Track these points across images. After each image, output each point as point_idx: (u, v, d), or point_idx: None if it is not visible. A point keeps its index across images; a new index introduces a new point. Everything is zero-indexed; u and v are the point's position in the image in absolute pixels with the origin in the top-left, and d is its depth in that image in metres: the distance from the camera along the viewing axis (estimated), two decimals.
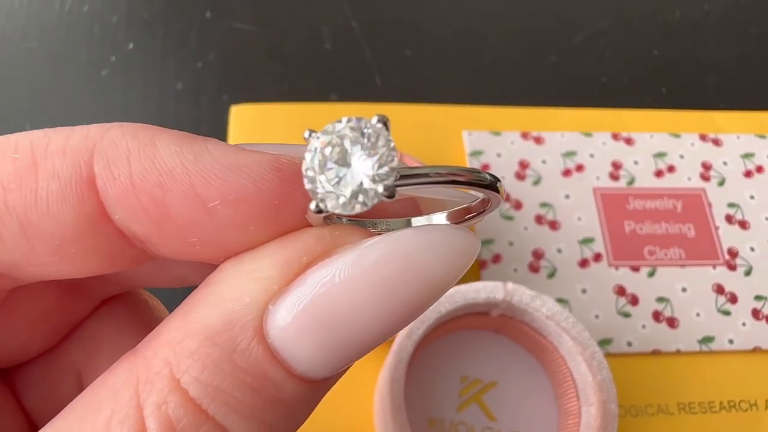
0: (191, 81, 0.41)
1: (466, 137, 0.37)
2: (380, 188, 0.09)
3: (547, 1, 0.46)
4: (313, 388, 0.11)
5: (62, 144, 0.10)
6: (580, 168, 0.37)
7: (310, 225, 0.11)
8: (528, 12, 0.46)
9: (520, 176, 0.36)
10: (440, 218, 0.12)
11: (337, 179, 0.10)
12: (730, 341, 0.33)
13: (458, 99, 0.39)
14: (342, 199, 0.10)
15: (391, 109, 0.38)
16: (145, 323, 0.16)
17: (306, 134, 0.10)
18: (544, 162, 0.37)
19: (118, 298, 0.15)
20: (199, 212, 0.10)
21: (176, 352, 0.10)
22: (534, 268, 0.34)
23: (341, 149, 0.10)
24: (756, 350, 0.33)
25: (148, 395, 0.10)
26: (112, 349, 0.15)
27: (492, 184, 0.10)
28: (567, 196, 0.36)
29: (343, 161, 0.10)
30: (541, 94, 0.42)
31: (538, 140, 0.37)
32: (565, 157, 0.37)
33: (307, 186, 0.10)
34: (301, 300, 0.10)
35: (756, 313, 0.33)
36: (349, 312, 0.10)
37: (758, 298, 0.34)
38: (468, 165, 0.36)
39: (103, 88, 0.40)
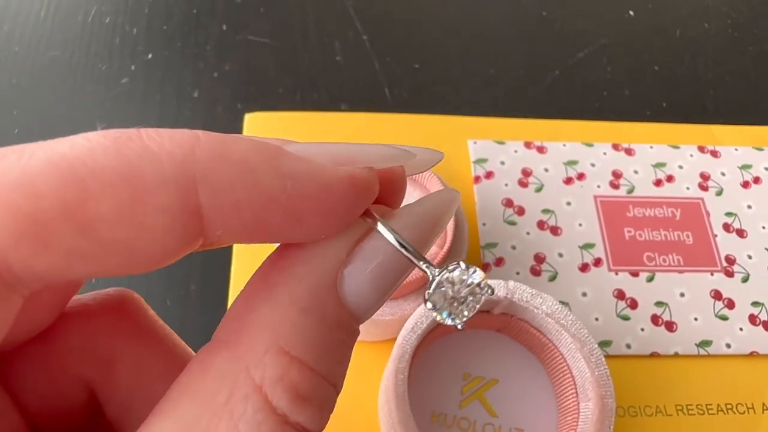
0: (207, 90, 0.43)
1: (471, 146, 0.38)
2: (458, 323, 0.14)
3: (552, 19, 0.48)
4: (357, 334, 0.13)
5: (160, 173, 0.10)
6: (581, 176, 0.38)
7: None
8: (533, 29, 0.48)
9: (523, 183, 0.37)
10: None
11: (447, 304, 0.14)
12: (728, 345, 0.33)
13: (464, 111, 0.41)
14: (445, 314, 0.14)
15: (399, 119, 0.40)
16: (149, 331, 0.16)
17: (463, 264, 0.14)
18: (546, 170, 0.38)
19: (119, 308, 0.15)
20: (294, 225, 0.12)
21: (277, 330, 0.12)
22: (536, 272, 0.35)
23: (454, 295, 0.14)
24: (753, 354, 0.33)
25: (264, 373, 0.11)
26: (129, 364, 0.15)
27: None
28: (568, 203, 0.37)
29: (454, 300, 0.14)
30: (544, 108, 0.43)
31: (541, 149, 0.39)
32: (566, 166, 0.38)
33: (435, 301, 0.14)
34: (365, 261, 0.13)
35: (753, 319, 0.34)
36: (393, 261, 0.13)
37: (755, 304, 0.35)
38: (473, 172, 0.38)
39: (123, 96, 0.42)
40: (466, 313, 0.14)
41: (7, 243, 0.10)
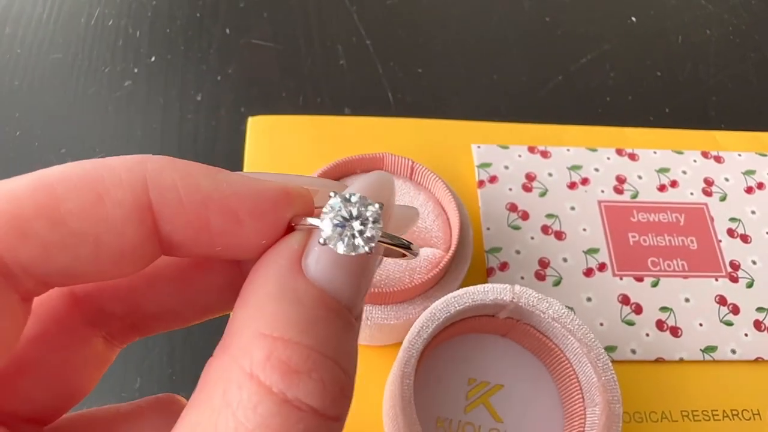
0: (210, 93, 0.43)
1: (474, 150, 0.38)
2: (367, 249, 0.14)
3: (555, 25, 0.48)
4: (350, 316, 0.14)
5: (117, 178, 0.13)
6: (585, 181, 0.38)
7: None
8: (536, 34, 0.48)
9: (527, 188, 0.37)
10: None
11: (342, 233, 0.14)
12: (733, 351, 0.33)
13: (467, 115, 0.41)
14: (340, 245, 0.14)
15: (402, 123, 0.40)
16: None
17: (331, 194, 0.14)
18: (550, 175, 0.38)
19: (167, 411, 0.17)
20: (232, 224, 0.13)
21: (256, 321, 0.12)
22: (540, 276, 0.35)
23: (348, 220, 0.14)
24: (758, 360, 0.33)
25: (252, 359, 0.12)
26: None
27: (407, 245, 0.15)
28: (572, 208, 0.37)
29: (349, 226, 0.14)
30: (548, 112, 0.43)
31: (545, 154, 0.39)
32: (570, 171, 0.38)
33: (324, 225, 0.14)
34: (318, 251, 0.14)
35: (758, 325, 0.34)
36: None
37: (760, 309, 0.34)
38: (477, 177, 0.38)
39: (125, 98, 0.42)
40: (369, 235, 0.14)
41: None
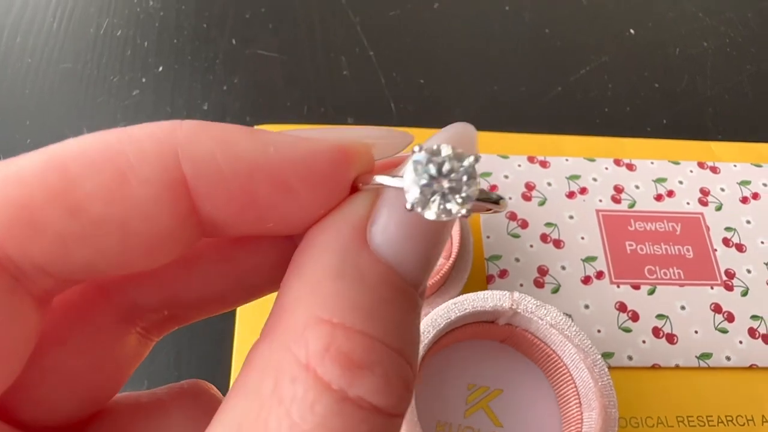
0: (217, 102, 0.43)
1: None
2: (463, 211, 0.11)
3: (555, 37, 0.49)
4: (415, 295, 0.12)
5: (141, 150, 0.11)
6: (583, 191, 0.39)
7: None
8: (535, 46, 0.49)
9: (526, 197, 0.38)
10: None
11: (431, 194, 0.11)
12: (728, 358, 0.34)
13: None
14: (430, 210, 0.11)
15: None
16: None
17: (416, 148, 0.11)
18: (549, 184, 0.39)
19: (193, 400, 0.15)
20: (284, 194, 0.11)
21: (313, 303, 0.11)
22: (539, 284, 0.35)
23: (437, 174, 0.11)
24: (753, 367, 0.34)
25: (308, 348, 0.10)
26: None
27: (497, 200, 0.12)
28: (571, 217, 0.38)
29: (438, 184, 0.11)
30: (547, 123, 0.44)
31: (544, 164, 0.39)
32: (569, 180, 0.39)
33: (408, 185, 0.11)
34: (390, 210, 0.12)
35: (752, 332, 0.35)
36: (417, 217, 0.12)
37: (754, 317, 0.35)
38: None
39: (134, 107, 0.43)
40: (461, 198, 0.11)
41: (1, 231, 0.10)
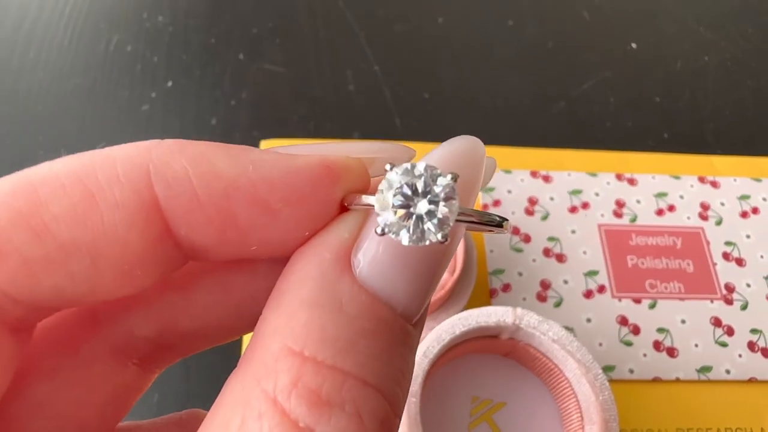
0: (225, 117, 0.44)
1: None
2: (439, 236, 0.10)
3: (557, 52, 0.50)
4: (411, 326, 0.11)
5: (113, 171, 0.10)
6: (585, 205, 0.39)
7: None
8: (538, 61, 0.49)
9: (529, 212, 0.39)
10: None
11: (406, 217, 0.11)
12: (727, 371, 0.35)
13: None
14: (405, 235, 0.10)
15: None
16: None
17: (387, 167, 0.11)
18: (551, 199, 0.39)
19: (189, 429, 0.14)
20: (264, 216, 0.11)
21: (286, 332, 0.10)
22: (542, 298, 0.36)
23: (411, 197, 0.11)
24: (752, 381, 0.35)
25: (277, 382, 0.10)
26: None
27: (499, 223, 0.11)
28: (573, 231, 0.38)
29: (413, 206, 0.11)
30: (550, 137, 0.45)
31: (547, 179, 0.40)
32: (571, 195, 0.39)
33: (380, 207, 0.11)
34: (375, 242, 0.11)
35: (752, 346, 0.35)
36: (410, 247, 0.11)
37: (754, 331, 0.36)
38: (480, 200, 0.39)
39: (143, 121, 0.44)
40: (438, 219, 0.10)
41: None
